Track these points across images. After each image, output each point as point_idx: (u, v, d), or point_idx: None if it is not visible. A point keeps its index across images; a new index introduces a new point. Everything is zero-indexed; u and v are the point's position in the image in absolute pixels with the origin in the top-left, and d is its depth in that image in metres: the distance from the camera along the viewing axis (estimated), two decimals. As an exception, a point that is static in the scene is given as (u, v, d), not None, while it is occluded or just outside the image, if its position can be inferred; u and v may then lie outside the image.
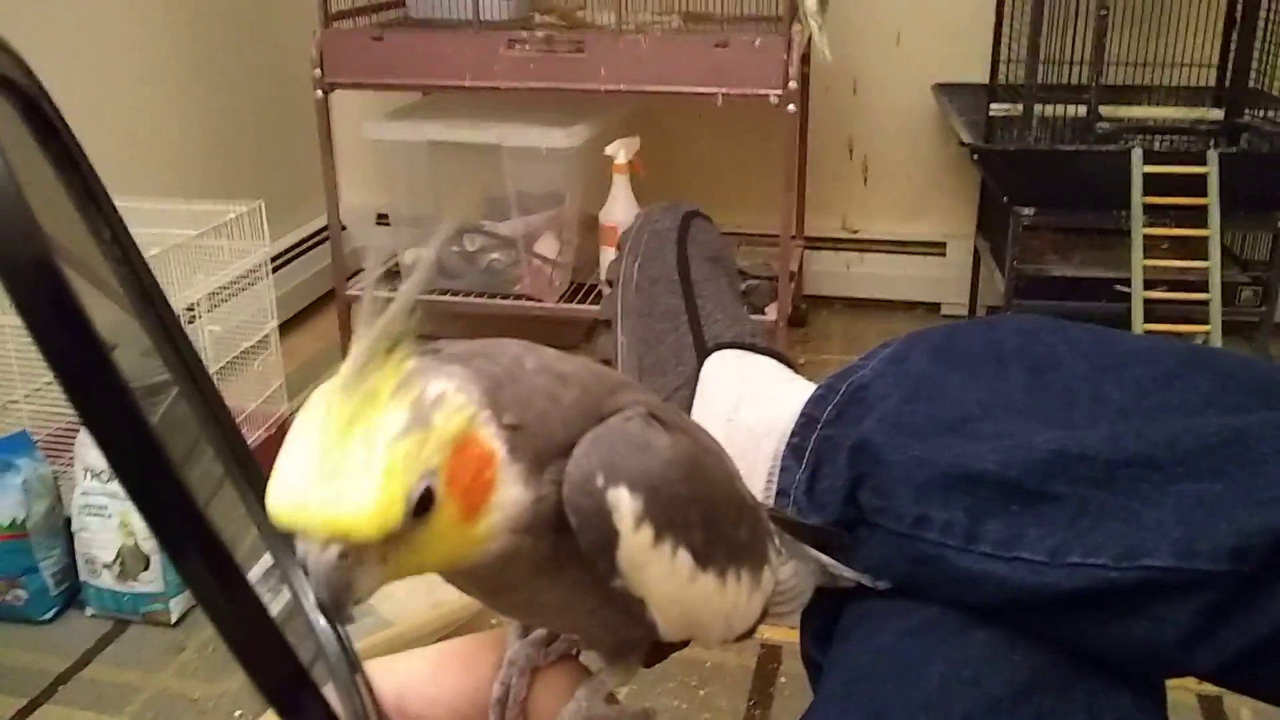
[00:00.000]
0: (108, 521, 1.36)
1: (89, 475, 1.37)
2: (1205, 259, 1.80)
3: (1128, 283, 1.82)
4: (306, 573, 0.29)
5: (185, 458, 0.35)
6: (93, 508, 1.37)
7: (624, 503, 0.33)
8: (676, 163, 2.27)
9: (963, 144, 1.95)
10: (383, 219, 2.38)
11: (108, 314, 0.33)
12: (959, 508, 0.52)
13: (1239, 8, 2.01)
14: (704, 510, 0.36)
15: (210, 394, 0.36)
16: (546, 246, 2.04)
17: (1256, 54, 1.97)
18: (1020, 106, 1.89)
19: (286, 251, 2.24)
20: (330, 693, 0.33)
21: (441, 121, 2.02)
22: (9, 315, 1.38)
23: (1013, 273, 1.90)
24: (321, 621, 0.34)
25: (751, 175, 2.28)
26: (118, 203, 0.33)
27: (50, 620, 1.40)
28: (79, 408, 0.21)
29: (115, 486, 1.29)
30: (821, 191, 2.35)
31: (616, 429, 0.34)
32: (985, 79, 2.15)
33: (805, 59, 1.98)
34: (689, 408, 0.68)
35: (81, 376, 0.21)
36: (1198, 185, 1.77)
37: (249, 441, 0.38)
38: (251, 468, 0.36)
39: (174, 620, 1.39)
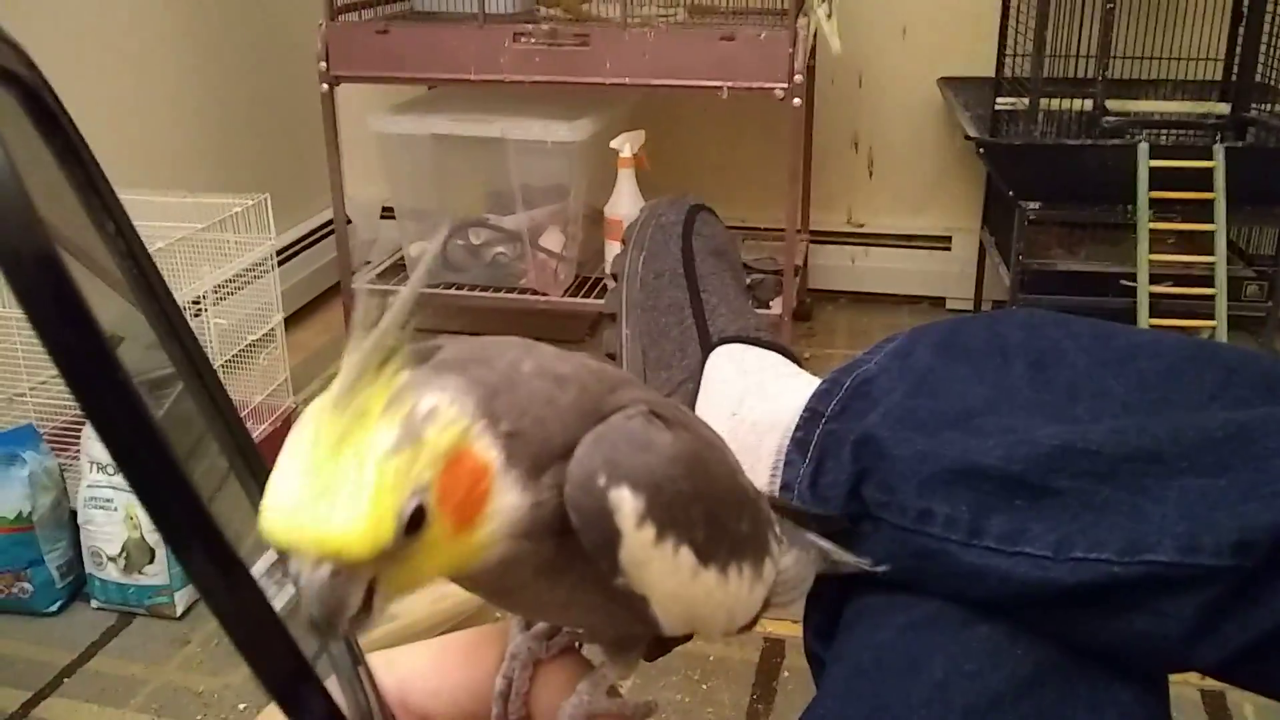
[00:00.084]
0: (113, 514, 1.37)
1: (95, 468, 1.37)
2: (1211, 254, 1.79)
3: (1133, 277, 1.82)
4: (299, 591, 0.29)
5: (190, 452, 0.35)
6: (98, 500, 1.37)
7: (626, 502, 0.33)
8: (681, 156, 2.27)
9: (968, 138, 1.94)
10: (387, 212, 2.39)
11: (112, 307, 0.33)
12: (963, 502, 0.52)
13: (1245, 1, 2.00)
14: (706, 507, 0.36)
15: (215, 388, 0.36)
16: (551, 240, 2.04)
17: (1263, 48, 1.96)
18: (1026, 100, 1.88)
19: (292, 245, 2.25)
20: (333, 686, 0.33)
21: (447, 115, 2.02)
22: (14, 308, 1.38)
23: (1018, 267, 1.90)
24: None
25: (756, 169, 2.27)
26: (122, 196, 0.33)
27: (55, 613, 1.41)
28: (83, 401, 0.21)
29: (121, 479, 1.29)
30: (826, 185, 2.35)
31: (618, 428, 0.34)
32: (991, 73, 2.14)
33: (811, 52, 1.97)
34: (693, 402, 0.68)
35: (85, 370, 0.21)
36: (1204, 180, 1.77)
37: (254, 435, 0.38)
38: (256, 462, 0.36)
39: (179, 613, 1.39)
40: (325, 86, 1.92)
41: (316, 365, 2.05)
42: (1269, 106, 1.95)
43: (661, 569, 0.35)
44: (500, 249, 2.07)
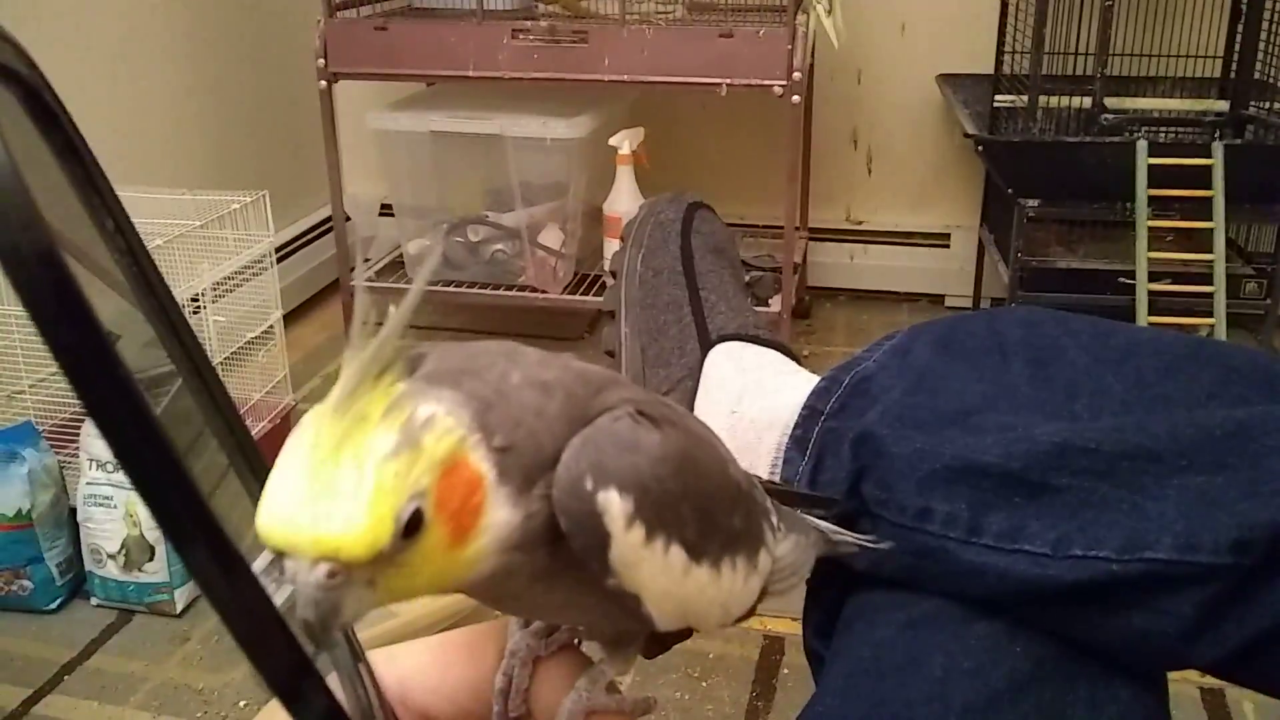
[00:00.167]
0: (113, 512, 1.37)
1: (94, 465, 1.37)
2: (1210, 251, 1.79)
3: (1132, 275, 1.82)
4: (294, 592, 0.29)
5: (189, 448, 0.35)
6: (98, 498, 1.37)
7: (614, 504, 0.33)
8: (680, 153, 2.27)
9: (967, 135, 1.94)
10: (386, 209, 2.39)
11: (111, 305, 0.33)
12: (961, 500, 0.52)
13: (1245, -1, 2.00)
14: (696, 504, 0.36)
15: (214, 385, 0.36)
16: (550, 238, 2.04)
17: (1262, 45, 1.96)
18: (1025, 98, 1.88)
19: (291, 242, 2.24)
20: (334, 682, 0.33)
21: (445, 112, 2.02)
22: (14, 305, 1.38)
23: (1017, 265, 1.90)
24: None
25: (755, 166, 2.27)
26: (121, 193, 0.33)
27: (55, 610, 1.41)
28: (83, 398, 0.21)
29: (120, 477, 1.29)
30: (825, 183, 2.35)
31: (603, 430, 0.34)
32: (990, 70, 2.14)
33: (810, 49, 1.97)
34: (692, 399, 0.68)
35: (85, 367, 0.21)
36: (1203, 177, 1.77)
37: (253, 432, 0.38)
38: (255, 459, 0.36)
39: (179, 610, 1.39)
40: (323, 83, 1.92)
41: (315, 362, 2.05)
42: (1268, 104, 1.95)
43: (653, 568, 0.35)
44: (499, 246, 2.07)
